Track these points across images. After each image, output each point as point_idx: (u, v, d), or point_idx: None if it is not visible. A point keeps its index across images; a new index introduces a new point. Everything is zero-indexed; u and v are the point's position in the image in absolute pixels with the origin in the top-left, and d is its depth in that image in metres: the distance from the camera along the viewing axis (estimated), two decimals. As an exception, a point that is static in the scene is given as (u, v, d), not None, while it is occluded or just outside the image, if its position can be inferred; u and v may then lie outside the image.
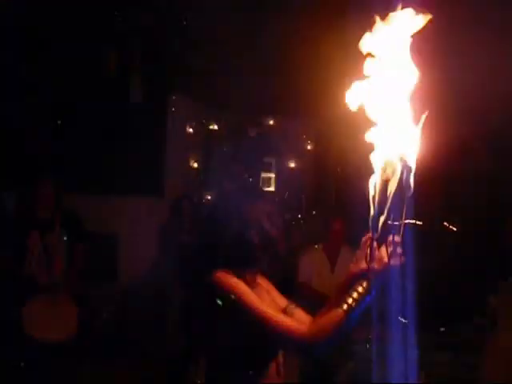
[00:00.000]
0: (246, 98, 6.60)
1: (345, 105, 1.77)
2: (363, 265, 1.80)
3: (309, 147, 8.01)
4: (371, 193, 1.73)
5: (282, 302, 2.20)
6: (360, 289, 1.81)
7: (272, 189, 7.84)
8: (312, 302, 4.13)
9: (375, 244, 1.78)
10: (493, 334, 3.48)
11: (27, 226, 3.97)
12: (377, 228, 1.74)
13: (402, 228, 1.73)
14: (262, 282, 2.19)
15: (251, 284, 2.05)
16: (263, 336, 1.90)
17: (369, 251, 1.78)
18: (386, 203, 1.71)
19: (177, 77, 6.29)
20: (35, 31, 5.15)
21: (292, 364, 3.51)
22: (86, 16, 5.16)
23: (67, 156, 5.45)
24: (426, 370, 3.75)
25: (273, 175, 7.96)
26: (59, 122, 5.75)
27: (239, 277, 1.98)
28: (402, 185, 1.69)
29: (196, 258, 2.13)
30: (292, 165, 7.92)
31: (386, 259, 1.76)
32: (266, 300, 2.08)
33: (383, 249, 1.77)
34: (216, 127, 7.63)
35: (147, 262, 5.58)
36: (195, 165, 7.33)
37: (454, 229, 4.99)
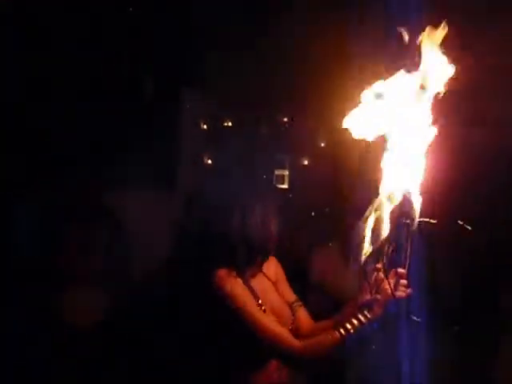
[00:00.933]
0: (260, 95, 6.59)
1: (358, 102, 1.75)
2: (368, 295, 1.78)
3: (322, 144, 7.98)
4: (370, 225, 1.71)
5: (290, 296, 2.18)
6: (362, 318, 1.79)
7: (286, 186, 7.82)
8: (326, 300, 4.14)
9: (380, 275, 1.76)
10: (505, 335, 3.44)
11: (68, 222, 4.13)
12: (381, 259, 1.73)
13: (407, 260, 1.72)
14: (270, 272, 2.16)
15: (253, 279, 2.02)
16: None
17: (373, 282, 1.76)
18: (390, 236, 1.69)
19: (190, 74, 6.29)
20: (44, 29, 5.18)
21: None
22: (96, 17, 5.18)
23: (81, 154, 5.46)
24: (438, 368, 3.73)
25: (286, 172, 7.95)
26: (73, 119, 5.77)
27: (240, 274, 1.95)
28: (405, 217, 1.68)
29: (194, 256, 2.09)
30: (305, 162, 7.90)
31: (390, 291, 1.74)
32: (268, 295, 2.06)
33: (388, 281, 1.75)
34: (230, 124, 7.63)
35: (160, 259, 5.58)
36: (209, 161, 7.33)
37: (469, 228, 4.95)
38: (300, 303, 2.19)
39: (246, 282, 2.00)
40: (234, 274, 1.96)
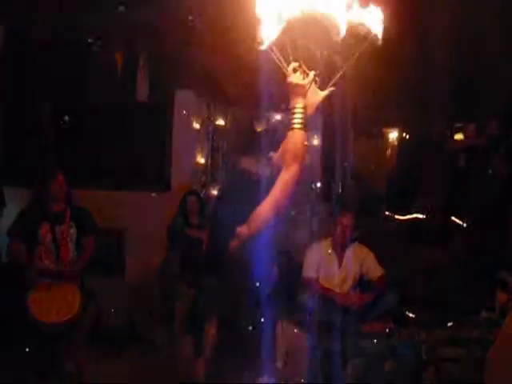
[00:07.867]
0: (253, 94, 6.56)
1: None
2: None
3: (315, 142, 7.96)
4: None
5: None
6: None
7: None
8: (319, 297, 4.13)
9: None
10: (502, 327, 3.42)
11: (39, 219, 4.21)
12: None
13: None
14: None
15: None
16: None
17: None
18: None
19: (183, 73, 6.28)
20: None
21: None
22: (89, 17, 5.18)
23: (76, 152, 5.47)
24: (437, 366, 3.73)
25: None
26: (67, 119, 5.78)
27: None
28: None
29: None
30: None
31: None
32: None
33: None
34: (223, 123, 7.60)
35: (155, 258, 5.58)
36: (202, 160, 7.31)
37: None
38: None
39: None
40: None
